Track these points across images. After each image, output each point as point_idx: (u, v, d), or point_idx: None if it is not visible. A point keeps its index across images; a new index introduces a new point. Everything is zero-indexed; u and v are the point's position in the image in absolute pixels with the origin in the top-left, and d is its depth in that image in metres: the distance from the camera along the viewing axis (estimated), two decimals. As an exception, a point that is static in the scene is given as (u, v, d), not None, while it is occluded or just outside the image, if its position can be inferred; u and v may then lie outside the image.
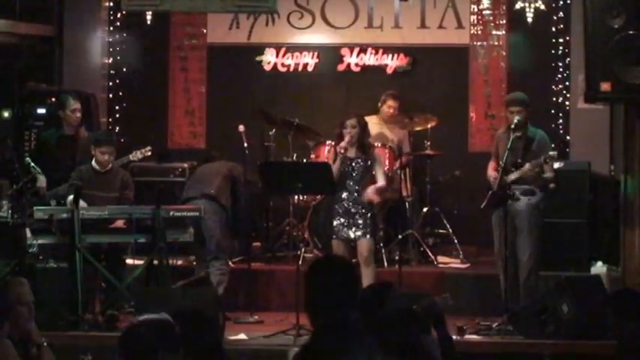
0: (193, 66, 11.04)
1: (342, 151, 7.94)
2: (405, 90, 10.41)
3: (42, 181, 8.17)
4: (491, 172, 8.00)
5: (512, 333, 7.59)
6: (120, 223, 7.96)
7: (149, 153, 8.86)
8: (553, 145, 8.42)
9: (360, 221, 7.93)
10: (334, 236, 8.00)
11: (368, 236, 7.93)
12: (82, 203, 7.98)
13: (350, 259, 7.99)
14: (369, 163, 8.02)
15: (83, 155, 8.56)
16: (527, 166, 7.72)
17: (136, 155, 8.79)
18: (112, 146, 8.32)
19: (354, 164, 8.01)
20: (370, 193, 7.94)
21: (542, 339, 7.39)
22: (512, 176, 7.81)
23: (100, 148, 8.22)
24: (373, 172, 8.08)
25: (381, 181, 8.07)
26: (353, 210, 7.94)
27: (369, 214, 7.95)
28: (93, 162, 8.27)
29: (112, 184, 8.29)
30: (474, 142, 10.75)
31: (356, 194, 7.98)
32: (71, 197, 7.80)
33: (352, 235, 7.93)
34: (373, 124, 9.37)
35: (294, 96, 10.83)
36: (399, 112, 9.75)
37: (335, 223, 7.99)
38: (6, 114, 10.18)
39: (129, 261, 8.25)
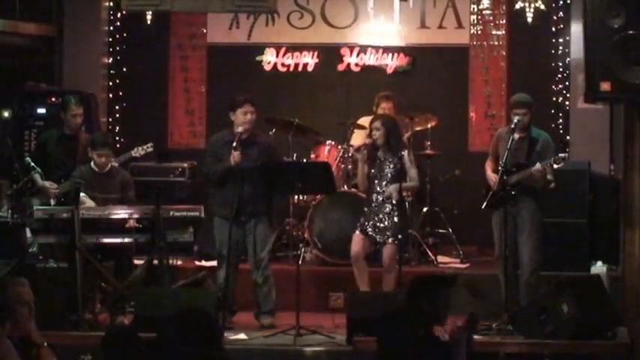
0: (193, 66, 11.04)
1: (351, 151, 7.97)
2: (405, 90, 10.41)
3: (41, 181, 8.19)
4: (491, 175, 7.99)
5: (512, 333, 7.59)
6: (132, 223, 7.95)
7: (151, 149, 8.88)
8: (553, 146, 8.43)
9: (386, 225, 7.97)
10: (358, 230, 8.04)
11: (391, 242, 7.96)
12: (89, 202, 8.00)
13: (366, 255, 8.05)
14: (400, 164, 8.04)
15: (83, 155, 8.56)
16: (537, 165, 7.72)
17: (138, 151, 8.82)
18: (108, 148, 8.31)
19: (383, 166, 8.04)
20: (392, 188, 7.97)
21: (542, 339, 7.39)
22: (516, 177, 7.81)
23: (97, 151, 8.22)
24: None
25: (410, 182, 8.11)
26: (381, 213, 7.98)
27: (395, 218, 7.98)
28: (92, 164, 8.28)
29: (112, 186, 8.28)
30: (474, 142, 10.75)
31: (386, 195, 8.02)
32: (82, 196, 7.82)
33: (377, 238, 7.99)
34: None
35: (294, 96, 10.83)
36: (395, 112, 9.76)
37: (362, 219, 8.06)
38: (6, 114, 10.19)
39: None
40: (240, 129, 7.97)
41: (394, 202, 7.99)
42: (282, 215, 9.48)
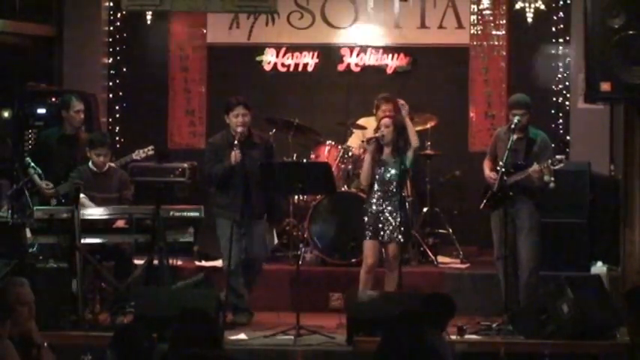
0: (193, 66, 11.04)
1: (365, 140, 7.91)
2: (405, 90, 10.40)
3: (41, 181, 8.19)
4: (490, 173, 7.98)
5: (512, 333, 7.59)
6: (121, 223, 7.97)
7: (152, 152, 8.86)
8: (553, 145, 8.44)
9: (391, 225, 7.91)
10: (367, 237, 7.98)
11: (395, 241, 7.92)
12: (89, 203, 8.00)
13: (379, 259, 8.04)
14: (403, 166, 7.97)
15: (83, 155, 8.56)
16: (535, 166, 7.72)
17: (139, 154, 8.80)
18: (106, 147, 8.32)
19: (388, 166, 7.99)
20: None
21: (542, 339, 7.39)
22: (514, 178, 7.81)
23: (95, 150, 8.24)
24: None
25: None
26: (385, 212, 7.92)
27: (399, 219, 7.91)
28: (90, 163, 8.28)
29: (110, 185, 8.30)
30: (474, 142, 10.75)
31: (389, 195, 7.95)
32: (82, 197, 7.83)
33: (383, 238, 7.93)
34: (373, 126, 9.35)
35: (294, 96, 10.83)
36: (395, 114, 9.73)
37: (367, 224, 7.97)
38: (6, 114, 10.18)
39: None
40: (239, 129, 7.98)
41: (397, 202, 7.95)
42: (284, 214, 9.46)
